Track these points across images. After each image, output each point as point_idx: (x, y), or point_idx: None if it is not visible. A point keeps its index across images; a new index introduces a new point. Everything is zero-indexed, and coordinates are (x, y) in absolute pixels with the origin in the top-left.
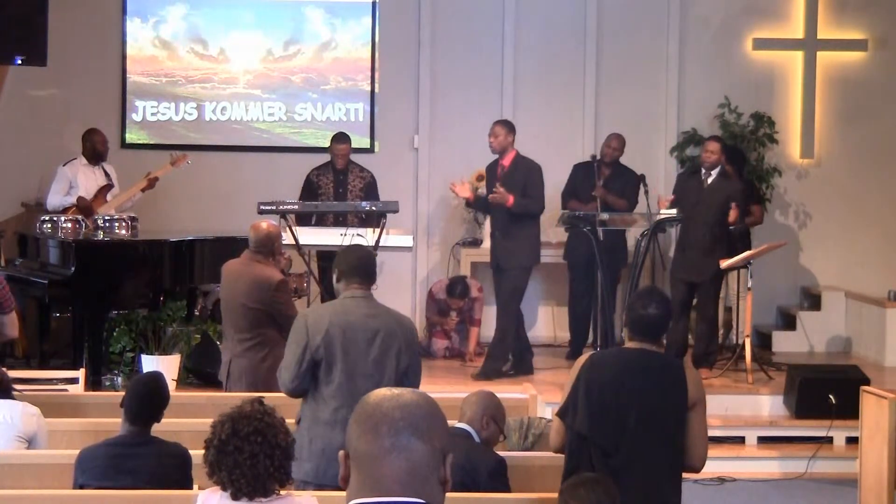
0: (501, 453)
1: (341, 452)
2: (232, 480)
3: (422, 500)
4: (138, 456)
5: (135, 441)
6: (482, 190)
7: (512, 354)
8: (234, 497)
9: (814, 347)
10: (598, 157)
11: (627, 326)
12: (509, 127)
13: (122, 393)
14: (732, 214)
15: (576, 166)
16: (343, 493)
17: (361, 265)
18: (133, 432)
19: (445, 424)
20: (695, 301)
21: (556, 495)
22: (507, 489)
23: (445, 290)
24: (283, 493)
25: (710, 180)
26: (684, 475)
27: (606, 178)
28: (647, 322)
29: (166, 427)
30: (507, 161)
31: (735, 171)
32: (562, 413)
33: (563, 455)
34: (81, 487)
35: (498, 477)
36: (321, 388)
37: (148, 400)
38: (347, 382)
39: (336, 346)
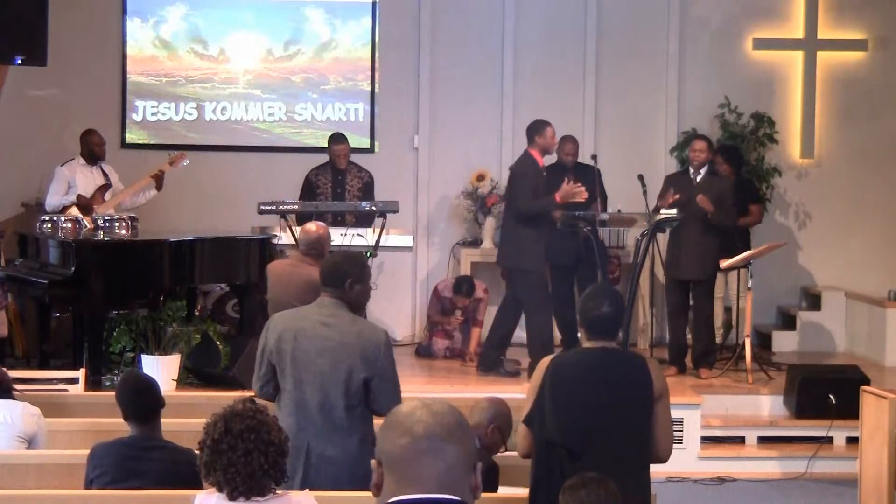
0: (501, 454)
1: (373, 461)
2: (227, 480)
3: (459, 498)
4: (149, 460)
5: (146, 444)
6: (482, 190)
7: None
8: (231, 497)
9: (814, 348)
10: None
11: (583, 327)
12: None
13: None
14: (705, 205)
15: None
16: (340, 494)
17: (326, 272)
18: (143, 433)
19: (473, 435)
20: (691, 301)
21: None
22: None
23: (452, 287)
24: (279, 492)
25: (699, 178)
26: (682, 475)
27: (575, 183)
28: (601, 321)
29: (166, 427)
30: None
31: (733, 171)
32: (528, 420)
33: (529, 459)
34: (91, 482)
35: (484, 481)
36: (281, 394)
37: (141, 397)
38: (295, 391)
39: (287, 353)
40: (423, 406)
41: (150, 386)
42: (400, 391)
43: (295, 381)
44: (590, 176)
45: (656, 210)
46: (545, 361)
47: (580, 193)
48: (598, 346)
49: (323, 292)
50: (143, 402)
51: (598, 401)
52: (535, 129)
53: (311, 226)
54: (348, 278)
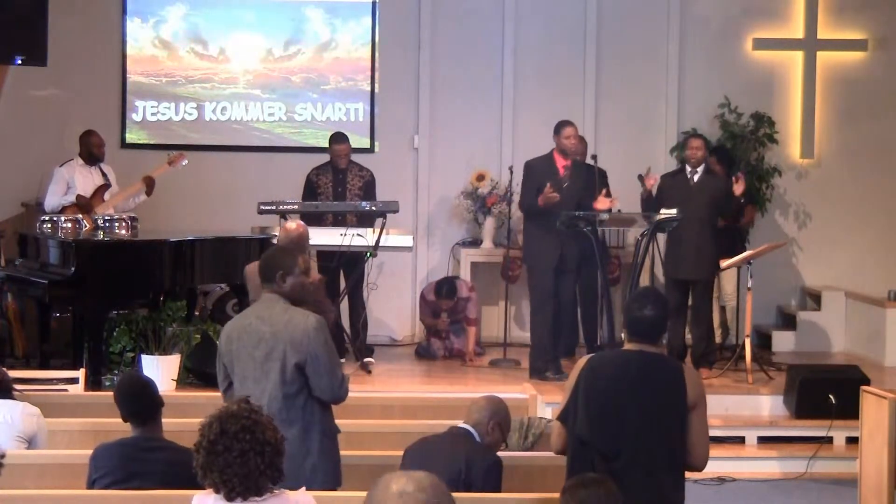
0: (500, 454)
1: None
2: (224, 481)
3: None
4: (150, 460)
5: (148, 444)
6: (482, 190)
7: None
8: (228, 498)
9: (814, 347)
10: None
11: (625, 328)
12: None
13: None
14: (738, 187)
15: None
16: (340, 494)
17: (260, 268)
18: (143, 433)
19: (452, 500)
20: (690, 301)
21: (556, 495)
22: (496, 490)
23: (434, 291)
24: (276, 491)
25: (696, 178)
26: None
27: (572, 180)
28: (644, 323)
29: (166, 427)
30: (569, 162)
31: (724, 172)
32: (562, 417)
33: (563, 455)
34: (93, 482)
35: (490, 477)
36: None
37: (138, 398)
38: (241, 387)
39: (233, 352)
40: (406, 474)
41: (147, 386)
42: (338, 376)
43: (241, 378)
44: (588, 173)
45: (649, 198)
46: (583, 360)
47: (555, 198)
48: (636, 349)
49: (263, 289)
50: (140, 403)
51: (629, 402)
52: (555, 129)
53: (291, 224)
54: (278, 271)
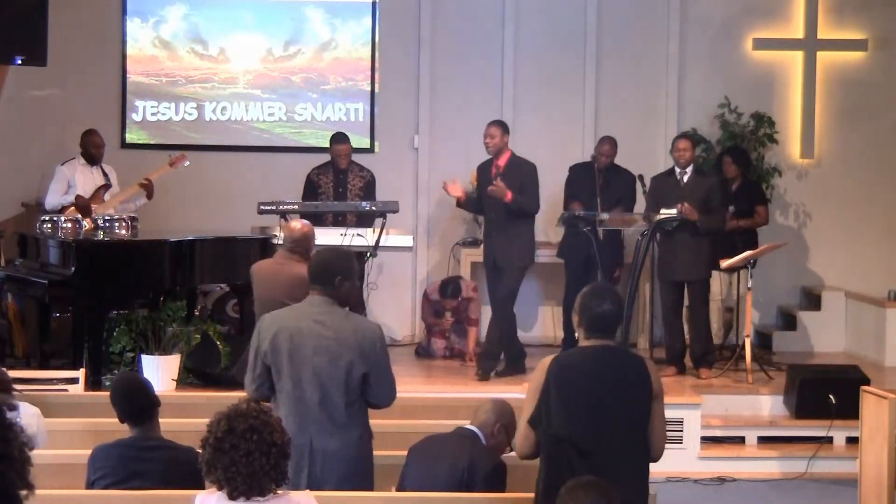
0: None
1: None
2: (228, 479)
3: None
4: (149, 460)
5: (146, 444)
6: None
7: (505, 356)
8: (231, 497)
9: (814, 347)
10: (594, 159)
11: (583, 326)
12: (504, 127)
13: None
14: (691, 215)
15: (573, 168)
16: (339, 494)
17: (315, 270)
18: (141, 433)
19: None
20: (686, 302)
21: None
22: (501, 493)
23: (438, 290)
24: (279, 492)
25: (685, 178)
26: (682, 475)
27: (602, 184)
28: (606, 318)
29: (166, 427)
30: (502, 161)
31: (740, 173)
32: (534, 420)
33: (526, 460)
34: (92, 484)
35: (494, 481)
36: (278, 394)
37: (133, 398)
38: (294, 390)
39: (283, 353)
40: None
41: (142, 386)
42: (395, 384)
43: (294, 381)
44: (623, 178)
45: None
46: (546, 361)
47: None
48: (599, 345)
49: (312, 290)
50: (135, 403)
51: (604, 399)
52: None
53: (296, 223)
54: (337, 275)
